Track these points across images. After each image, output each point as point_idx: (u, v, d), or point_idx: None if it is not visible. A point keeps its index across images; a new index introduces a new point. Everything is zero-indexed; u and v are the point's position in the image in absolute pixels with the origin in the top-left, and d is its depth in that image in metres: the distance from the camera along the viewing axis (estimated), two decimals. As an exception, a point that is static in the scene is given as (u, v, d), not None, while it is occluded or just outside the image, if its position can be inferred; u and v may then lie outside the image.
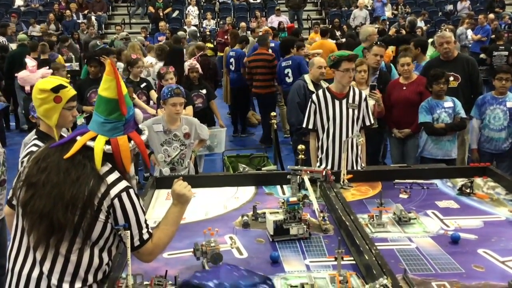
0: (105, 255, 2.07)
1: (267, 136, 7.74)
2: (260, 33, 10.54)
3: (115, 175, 2.03)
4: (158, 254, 2.23)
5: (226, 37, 13.58)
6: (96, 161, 1.99)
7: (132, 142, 2.08)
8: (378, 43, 5.85)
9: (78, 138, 2.05)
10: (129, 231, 2.04)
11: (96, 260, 2.04)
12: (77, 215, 1.94)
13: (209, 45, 12.53)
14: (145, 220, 2.12)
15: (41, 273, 1.99)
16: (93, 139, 2.03)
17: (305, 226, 2.68)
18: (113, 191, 1.99)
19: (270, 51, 8.54)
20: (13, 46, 11.59)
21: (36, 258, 2.00)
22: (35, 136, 2.86)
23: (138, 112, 2.19)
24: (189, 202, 2.31)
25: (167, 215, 2.25)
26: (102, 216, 1.99)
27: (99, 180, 1.98)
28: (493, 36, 12.45)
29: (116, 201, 1.99)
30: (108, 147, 2.02)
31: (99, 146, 2.00)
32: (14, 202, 2.14)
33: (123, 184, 2.03)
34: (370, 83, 5.36)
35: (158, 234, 2.17)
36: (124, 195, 2.02)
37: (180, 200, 2.26)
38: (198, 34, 14.46)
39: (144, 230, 2.11)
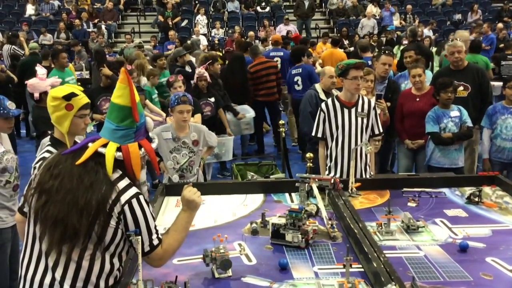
0: (115, 261, 2.10)
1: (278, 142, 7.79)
2: (270, 42, 10.60)
3: (125, 181, 2.06)
4: (168, 260, 2.26)
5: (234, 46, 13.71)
6: (107, 168, 2.02)
7: (143, 149, 2.11)
8: (386, 52, 5.87)
9: (90, 145, 2.08)
10: (140, 237, 2.07)
11: (107, 266, 2.06)
12: (91, 220, 1.97)
13: (218, 53, 12.60)
14: (155, 226, 2.15)
15: (53, 279, 2.01)
16: (105, 145, 2.06)
17: (300, 235, 2.67)
18: (124, 198, 2.02)
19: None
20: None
21: (48, 265, 2.02)
22: (49, 143, 2.90)
23: (149, 120, 2.22)
24: (198, 208, 2.33)
25: (176, 221, 2.27)
26: (113, 222, 2.01)
27: (111, 186, 2.01)
28: (502, 45, 12.42)
29: (126, 207, 2.02)
30: (119, 154, 2.05)
31: (111, 152, 2.04)
32: (26, 209, 2.17)
33: (133, 190, 2.06)
34: (377, 92, 5.38)
35: (167, 240, 2.20)
36: (134, 201, 2.04)
37: (189, 206, 2.29)
38: (207, 43, 14.56)
39: (154, 236, 2.13)
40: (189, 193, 2.30)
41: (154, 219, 2.16)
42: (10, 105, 3.55)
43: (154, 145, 2.18)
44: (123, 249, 2.12)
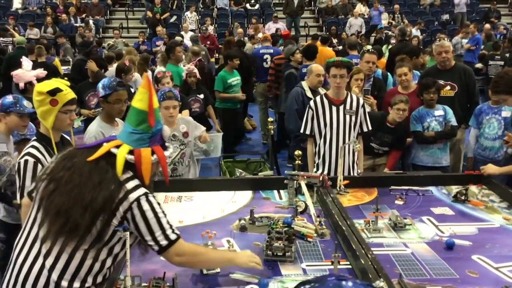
0: (109, 260, 2.10)
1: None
2: (259, 40, 10.57)
3: (135, 182, 2.06)
4: (188, 262, 2.22)
5: (208, 42, 13.66)
6: (117, 168, 2.03)
7: (155, 155, 2.11)
8: (370, 50, 5.91)
9: (105, 144, 2.10)
10: (128, 233, 2.06)
11: (99, 263, 2.06)
12: (93, 217, 1.97)
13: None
14: (168, 222, 2.13)
15: (42, 267, 2.02)
16: (118, 147, 2.08)
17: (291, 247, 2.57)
18: (132, 196, 2.02)
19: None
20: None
21: (40, 252, 2.03)
22: (35, 138, 2.88)
23: (166, 128, 2.23)
24: (239, 263, 2.34)
25: (221, 251, 2.39)
26: (115, 221, 2.01)
27: (119, 186, 2.02)
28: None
29: (135, 205, 2.02)
30: (130, 156, 2.06)
31: (122, 154, 2.05)
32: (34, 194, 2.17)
33: (142, 190, 2.06)
34: (365, 88, 5.41)
35: (203, 248, 2.32)
36: (143, 199, 2.04)
37: (239, 261, 2.31)
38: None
39: (169, 231, 2.11)
40: (251, 261, 2.32)
41: (166, 216, 2.13)
42: (27, 104, 3.54)
43: (167, 153, 2.19)
44: (120, 251, 2.11)
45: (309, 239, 2.62)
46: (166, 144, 2.24)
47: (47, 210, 2.03)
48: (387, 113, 5.00)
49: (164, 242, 2.10)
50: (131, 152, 2.07)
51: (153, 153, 2.11)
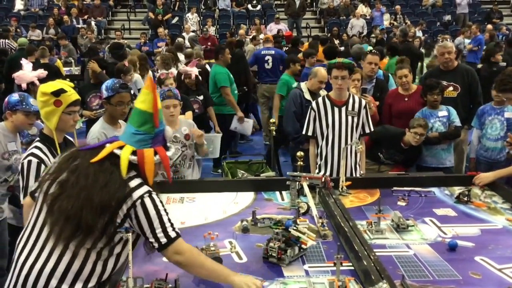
0: (111, 261, 2.10)
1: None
2: (261, 41, 10.57)
3: (138, 180, 2.08)
4: (186, 262, 2.16)
5: (209, 43, 13.64)
6: (122, 169, 2.05)
7: (158, 156, 2.12)
8: (372, 51, 5.90)
9: (108, 145, 2.12)
10: (130, 234, 2.06)
11: (99, 265, 2.07)
12: (103, 219, 1.99)
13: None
14: (169, 220, 2.14)
15: (42, 268, 2.02)
16: (121, 148, 2.09)
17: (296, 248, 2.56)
18: (136, 194, 2.04)
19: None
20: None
21: (42, 253, 2.03)
22: (38, 138, 2.89)
23: (168, 129, 2.25)
24: (235, 283, 2.20)
25: (220, 267, 2.24)
26: (118, 220, 2.03)
27: (124, 185, 2.04)
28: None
29: (138, 203, 2.04)
30: (134, 157, 2.08)
31: (125, 155, 2.07)
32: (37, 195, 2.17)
33: (145, 188, 2.08)
34: (363, 87, 5.39)
35: (203, 257, 2.21)
36: (146, 197, 2.06)
37: (237, 281, 2.17)
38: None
39: (170, 229, 2.12)
40: (249, 285, 2.17)
41: (168, 214, 2.15)
42: (33, 102, 3.54)
43: (170, 153, 2.20)
44: (122, 251, 2.12)
45: (303, 245, 2.57)
46: (168, 144, 2.25)
47: (56, 214, 2.03)
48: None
49: (164, 240, 2.11)
50: (134, 153, 2.08)
51: (155, 153, 2.12)
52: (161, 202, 2.13)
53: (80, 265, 2.03)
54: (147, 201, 2.06)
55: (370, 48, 6.61)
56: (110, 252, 2.08)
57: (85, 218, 1.98)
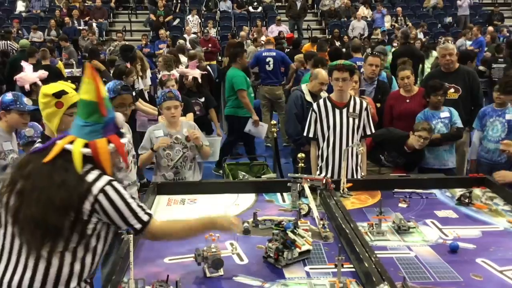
0: (88, 257, 2.04)
1: None
2: (263, 42, 10.57)
3: (95, 173, 2.03)
4: (167, 234, 2.27)
5: (210, 45, 13.64)
6: (76, 164, 2.00)
7: (112, 144, 2.09)
8: (373, 52, 5.89)
9: (58, 142, 2.06)
10: (131, 236, 2.06)
11: (77, 265, 2.01)
12: (68, 219, 1.95)
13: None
14: (138, 204, 2.13)
15: (21, 281, 1.96)
16: (72, 142, 2.04)
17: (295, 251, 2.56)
18: (96, 188, 2.00)
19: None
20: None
21: (18, 268, 1.98)
22: (39, 140, 2.88)
23: (119, 115, 2.20)
24: (221, 228, 2.36)
25: (199, 218, 2.32)
26: (84, 217, 1.99)
27: (81, 182, 1.99)
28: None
29: (101, 196, 2.00)
30: (86, 150, 2.03)
31: (77, 149, 2.02)
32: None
33: (105, 179, 2.03)
34: (361, 88, 5.39)
35: (176, 219, 2.28)
36: (108, 188, 2.02)
37: (220, 224, 2.30)
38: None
39: (141, 213, 2.12)
40: (230, 223, 2.32)
41: (135, 199, 2.14)
42: (27, 101, 3.54)
43: (124, 140, 2.17)
44: (97, 243, 2.07)
45: (297, 248, 2.54)
46: (122, 130, 2.21)
47: (21, 224, 1.96)
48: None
49: (138, 226, 2.11)
50: (86, 146, 2.04)
51: (109, 142, 2.08)
52: (124, 188, 2.09)
53: (57, 271, 1.97)
54: (110, 191, 2.02)
55: (393, 49, 6.59)
56: (85, 249, 2.03)
57: (51, 221, 1.93)
